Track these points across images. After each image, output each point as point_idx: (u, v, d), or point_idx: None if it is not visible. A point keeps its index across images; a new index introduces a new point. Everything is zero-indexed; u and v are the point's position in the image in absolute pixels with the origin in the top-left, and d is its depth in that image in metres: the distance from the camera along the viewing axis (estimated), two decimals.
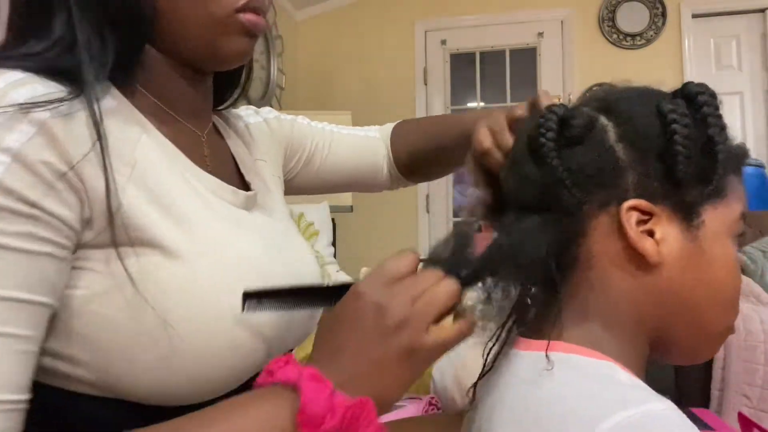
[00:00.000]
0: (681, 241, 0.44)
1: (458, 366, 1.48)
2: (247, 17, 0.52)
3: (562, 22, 3.34)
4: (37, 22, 0.47)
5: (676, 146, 0.43)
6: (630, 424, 0.36)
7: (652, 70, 3.19)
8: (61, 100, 0.41)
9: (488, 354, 0.53)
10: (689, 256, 0.44)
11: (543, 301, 0.47)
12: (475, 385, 0.54)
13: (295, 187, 0.80)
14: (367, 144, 0.85)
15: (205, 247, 0.48)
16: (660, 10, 3.20)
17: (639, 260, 0.44)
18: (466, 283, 0.44)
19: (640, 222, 0.44)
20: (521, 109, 0.56)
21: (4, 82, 0.40)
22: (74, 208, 0.41)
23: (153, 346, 0.43)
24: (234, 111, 0.72)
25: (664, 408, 0.37)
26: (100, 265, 0.43)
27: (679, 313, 0.45)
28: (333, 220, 2.58)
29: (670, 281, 0.44)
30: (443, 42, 3.47)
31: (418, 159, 0.83)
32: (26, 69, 0.43)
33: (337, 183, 0.84)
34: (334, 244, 2.56)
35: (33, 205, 0.39)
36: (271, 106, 3.13)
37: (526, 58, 3.38)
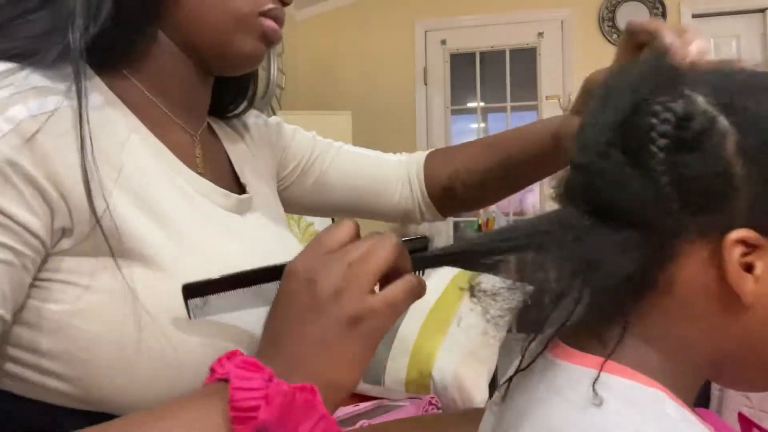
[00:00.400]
0: None
1: (462, 358, 1.48)
2: (268, 23, 0.52)
3: (562, 22, 3.34)
4: None
5: None
6: None
7: None
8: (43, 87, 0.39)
9: (525, 352, 0.46)
10: None
11: (601, 317, 0.41)
12: (508, 381, 0.48)
13: (286, 201, 0.72)
14: (376, 163, 0.78)
15: (192, 258, 0.45)
16: (660, 10, 3.20)
17: (730, 297, 0.37)
18: (430, 257, 0.41)
19: (743, 255, 0.37)
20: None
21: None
22: (42, 216, 0.39)
23: (149, 360, 0.41)
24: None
25: None
26: (84, 278, 0.41)
27: (754, 352, 0.40)
28: (333, 221, 2.58)
29: (756, 322, 0.39)
30: (443, 42, 3.47)
31: (466, 180, 0.72)
32: (7, 50, 0.40)
33: (333, 202, 0.76)
34: None
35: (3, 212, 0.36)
36: (271, 106, 3.12)
37: (526, 58, 3.38)
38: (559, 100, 3.31)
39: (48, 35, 0.43)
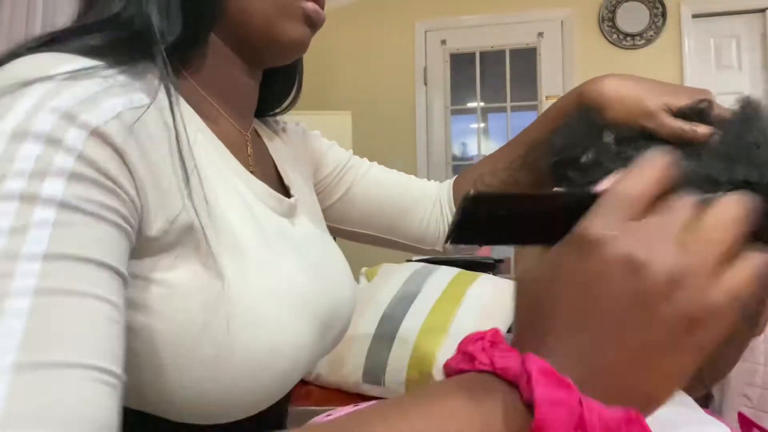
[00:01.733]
0: None
1: None
2: (311, 5, 0.53)
3: (562, 22, 3.34)
4: None
5: None
6: None
7: (652, 70, 3.18)
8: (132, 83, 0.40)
9: None
10: None
11: None
12: None
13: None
14: (407, 181, 0.76)
15: (251, 270, 0.45)
16: (660, 10, 3.20)
17: None
18: None
19: None
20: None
21: (74, 67, 0.38)
22: (141, 196, 0.39)
23: (203, 359, 0.41)
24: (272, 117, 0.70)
25: None
26: (157, 273, 0.40)
27: None
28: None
29: None
30: (443, 42, 3.47)
31: (489, 181, 0.67)
32: (92, 48, 0.41)
33: (360, 216, 0.73)
34: None
35: (113, 180, 0.36)
36: None
37: (526, 58, 3.38)
38: None
39: (125, 37, 0.44)
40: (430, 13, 3.48)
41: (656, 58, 3.20)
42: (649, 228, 0.26)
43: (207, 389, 0.41)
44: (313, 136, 0.74)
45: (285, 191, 0.59)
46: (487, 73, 3.51)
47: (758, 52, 3.18)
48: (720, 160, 0.40)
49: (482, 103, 3.55)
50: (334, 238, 0.68)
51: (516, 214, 0.28)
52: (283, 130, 0.69)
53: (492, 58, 3.47)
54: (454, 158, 3.58)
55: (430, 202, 0.75)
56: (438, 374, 1.48)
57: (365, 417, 0.28)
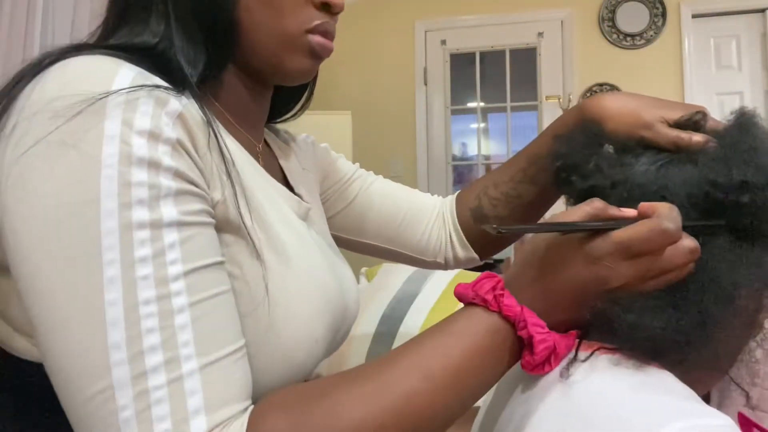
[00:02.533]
0: None
1: None
2: (316, 39, 0.53)
3: (562, 22, 3.34)
4: (134, 21, 0.49)
5: None
6: None
7: (652, 70, 3.19)
8: (170, 89, 0.42)
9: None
10: None
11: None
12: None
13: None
14: (412, 194, 0.78)
15: (290, 259, 0.49)
16: (660, 10, 3.20)
17: None
18: None
19: None
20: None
21: (133, 72, 0.41)
22: (209, 189, 0.43)
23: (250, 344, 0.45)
24: (280, 127, 0.72)
25: (723, 424, 0.35)
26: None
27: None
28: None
29: None
30: (443, 42, 3.47)
31: (493, 194, 0.71)
32: (131, 62, 0.43)
33: (365, 226, 0.75)
34: None
35: (197, 185, 0.41)
36: None
37: (526, 58, 3.38)
38: (559, 100, 3.31)
39: (156, 65, 0.47)
40: (430, 13, 3.48)
41: (656, 58, 3.20)
42: (636, 267, 0.40)
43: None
44: (321, 148, 0.76)
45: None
46: (487, 73, 3.51)
47: (758, 52, 3.18)
48: (717, 163, 0.44)
49: (482, 103, 3.55)
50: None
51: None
52: (293, 141, 0.71)
53: (492, 58, 3.47)
54: (454, 158, 3.58)
55: (432, 215, 0.76)
56: None
57: (401, 352, 0.43)
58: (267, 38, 0.52)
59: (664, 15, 3.20)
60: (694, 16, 3.20)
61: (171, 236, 0.38)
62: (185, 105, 0.42)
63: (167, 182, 0.39)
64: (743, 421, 0.56)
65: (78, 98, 0.38)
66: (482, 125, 3.70)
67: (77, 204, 0.36)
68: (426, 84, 3.48)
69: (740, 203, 0.42)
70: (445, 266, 0.77)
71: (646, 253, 0.39)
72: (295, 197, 0.57)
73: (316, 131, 0.82)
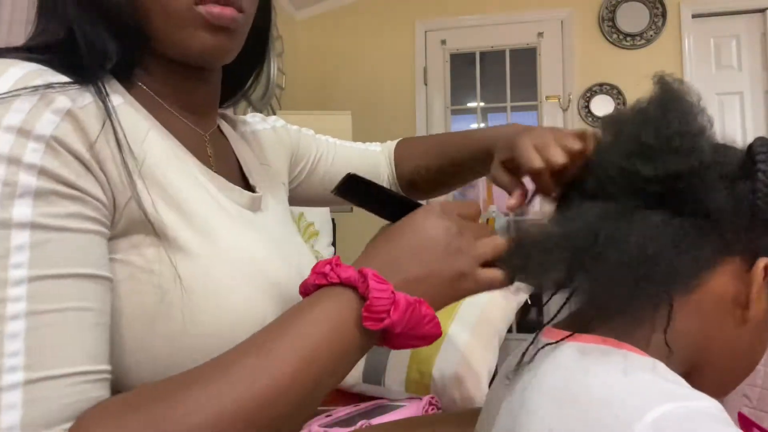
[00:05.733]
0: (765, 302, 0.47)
1: (462, 358, 1.49)
2: (208, 8, 0.48)
3: (562, 22, 3.34)
4: (47, 17, 0.49)
5: None
6: (676, 416, 0.35)
7: (652, 70, 3.16)
8: (71, 83, 0.42)
9: (529, 344, 0.52)
10: (764, 318, 0.47)
11: (636, 306, 0.46)
12: (515, 371, 0.53)
13: (300, 197, 0.81)
14: (368, 156, 0.87)
15: (217, 246, 0.48)
16: (660, 10, 3.20)
17: (739, 308, 0.46)
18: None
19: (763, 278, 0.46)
20: (573, 140, 0.55)
21: (23, 71, 0.40)
22: (104, 191, 0.42)
23: (161, 336, 0.43)
24: (241, 117, 0.72)
25: (710, 406, 0.37)
26: (117, 255, 0.43)
27: (732, 360, 0.48)
28: (333, 220, 2.58)
29: (746, 334, 0.47)
30: (443, 42, 3.47)
31: (425, 175, 0.85)
32: (35, 62, 0.43)
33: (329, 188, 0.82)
34: (334, 244, 2.56)
35: (73, 186, 0.39)
36: (271, 107, 3.12)
37: (526, 58, 3.38)
38: (559, 100, 3.31)
39: (62, 41, 0.47)
40: (430, 13, 3.48)
41: (656, 58, 3.20)
42: (464, 223, 0.48)
43: (163, 367, 0.42)
44: (287, 134, 0.78)
45: (251, 189, 0.61)
46: (487, 73, 3.51)
47: (758, 52, 3.18)
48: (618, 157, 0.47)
49: (482, 103, 3.55)
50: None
51: (375, 196, 0.50)
52: (254, 136, 0.71)
53: (492, 58, 3.47)
54: None
55: (386, 171, 0.88)
56: (437, 374, 1.48)
57: (246, 344, 0.40)
58: (158, 19, 0.49)
59: (664, 15, 3.20)
60: (694, 16, 3.20)
61: (20, 238, 0.35)
62: (85, 102, 0.41)
63: (27, 180, 0.36)
64: (743, 421, 0.56)
65: None
66: (482, 125, 3.70)
67: None
68: (426, 84, 3.48)
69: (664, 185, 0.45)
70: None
71: (468, 216, 0.49)
72: (236, 188, 0.55)
73: (316, 131, 0.84)
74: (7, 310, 0.34)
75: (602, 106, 3.23)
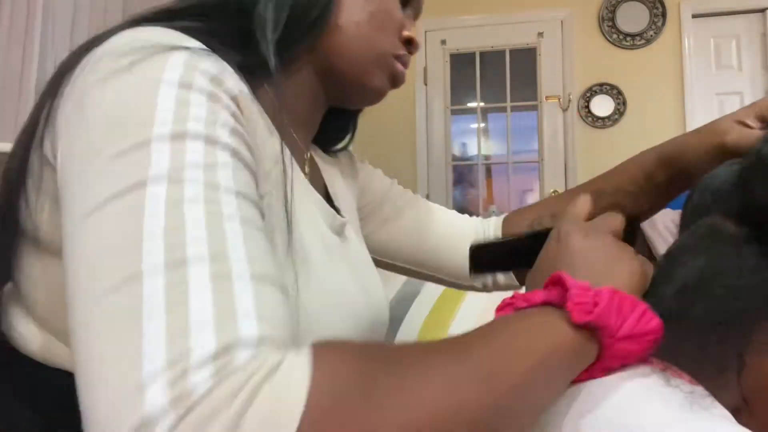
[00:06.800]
0: None
1: None
2: (399, 67, 0.57)
3: (562, 22, 3.34)
4: None
5: None
6: None
7: (652, 70, 3.18)
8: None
9: None
10: None
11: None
12: None
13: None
14: (453, 215, 0.76)
15: (313, 279, 0.47)
16: (660, 10, 3.20)
17: None
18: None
19: None
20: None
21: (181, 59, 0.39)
22: (254, 164, 0.41)
23: None
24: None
25: None
26: None
27: None
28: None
29: None
30: (443, 42, 3.47)
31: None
32: (199, 33, 0.42)
33: (400, 245, 0.73)
34: None
35: (248, 143, 0.39)
36: None
37: (526, 58, 3.38)
38: (558, 99, 3.31)
39: (230, 25, 0.47)
40: (430, 13, 3.46)
41: (656, 58, 3.20)
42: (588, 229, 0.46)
43: None
44: (360, 162, 0.75)
45: (336, 212, 0.59)
46: (487, 73, 3.51)
47: (758, 52, 3.18)
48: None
49: (482, 103, 3.55)
50: None
51: (506, 251, 0.54)
52: (338, 159, 0.70)
53: (492, 58, 3.47)
54: (454, 158, 3.58)
55: (469, 240, 0.73)
56: None
57: (463, 337, 0.36)
58: (362, 48, 0.54)
59: (664, 15, 3.20)
60: (694, 16, 3.20)
61: (224, 156, 0.35)
62: (245, 95, 0.41)
63: (226, 116, 0.37)
64: None
65: (147, 44, 0.37)
66: (482, 125, 3.69)
67: (130, 117, 0.34)
68: (426, 84, 3.48)
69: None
70: (483, 290, 0.74)
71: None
72: (332, 210, 0.55)
73: (364, 159, 0.79)
74: (223, 209, 0.32)
75: (602, 106, 3.23)
